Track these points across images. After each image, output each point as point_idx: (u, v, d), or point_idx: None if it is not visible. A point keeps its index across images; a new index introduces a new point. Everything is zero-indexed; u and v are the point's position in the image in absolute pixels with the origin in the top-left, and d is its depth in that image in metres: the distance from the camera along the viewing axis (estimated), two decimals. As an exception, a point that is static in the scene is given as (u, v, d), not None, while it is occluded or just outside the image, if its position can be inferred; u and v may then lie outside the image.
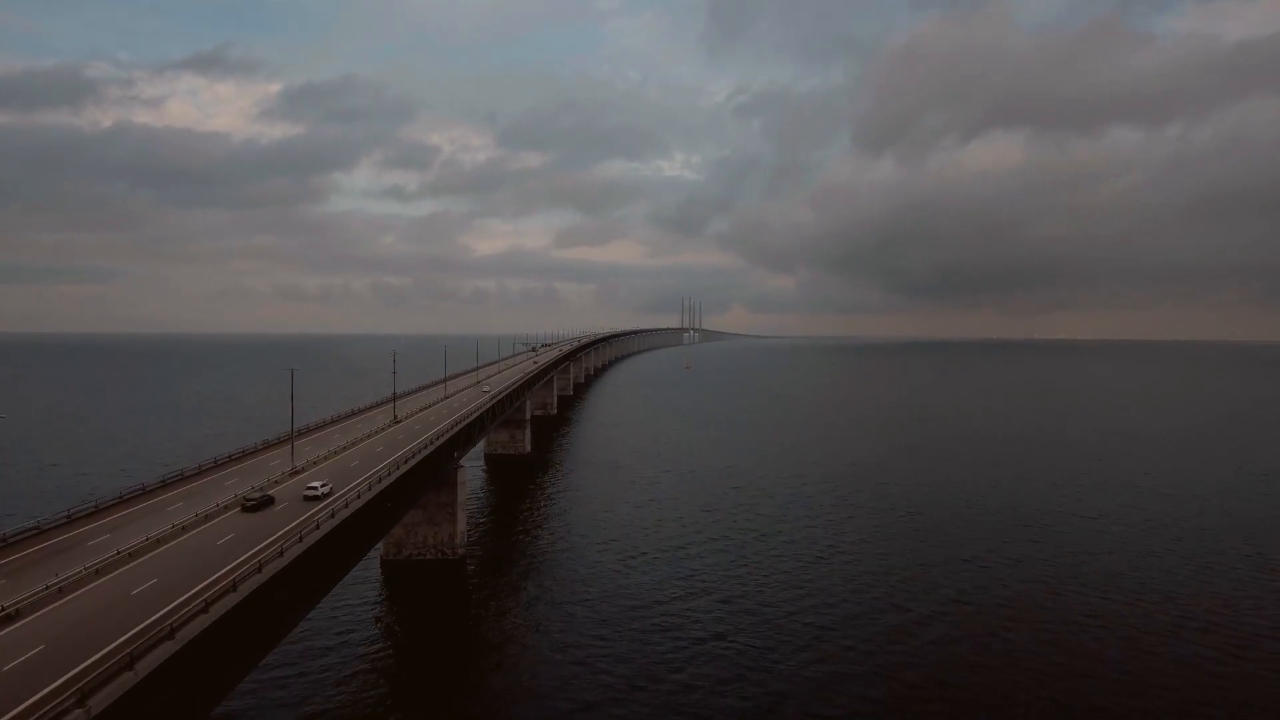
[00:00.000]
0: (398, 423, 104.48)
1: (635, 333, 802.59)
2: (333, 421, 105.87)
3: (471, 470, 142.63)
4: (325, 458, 78.54)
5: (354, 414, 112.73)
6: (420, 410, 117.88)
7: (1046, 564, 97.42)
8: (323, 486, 62.27)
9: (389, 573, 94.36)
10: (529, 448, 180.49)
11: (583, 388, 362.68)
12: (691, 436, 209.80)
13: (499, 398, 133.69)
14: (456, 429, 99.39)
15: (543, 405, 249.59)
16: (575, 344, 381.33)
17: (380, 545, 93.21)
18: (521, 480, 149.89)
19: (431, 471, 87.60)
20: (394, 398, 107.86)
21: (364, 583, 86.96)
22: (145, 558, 47.06)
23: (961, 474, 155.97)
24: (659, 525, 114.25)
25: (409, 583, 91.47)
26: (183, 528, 52.37)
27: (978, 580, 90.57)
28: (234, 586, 40.29)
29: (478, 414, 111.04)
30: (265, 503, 59.63)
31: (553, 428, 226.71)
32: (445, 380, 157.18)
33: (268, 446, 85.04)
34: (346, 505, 57.46)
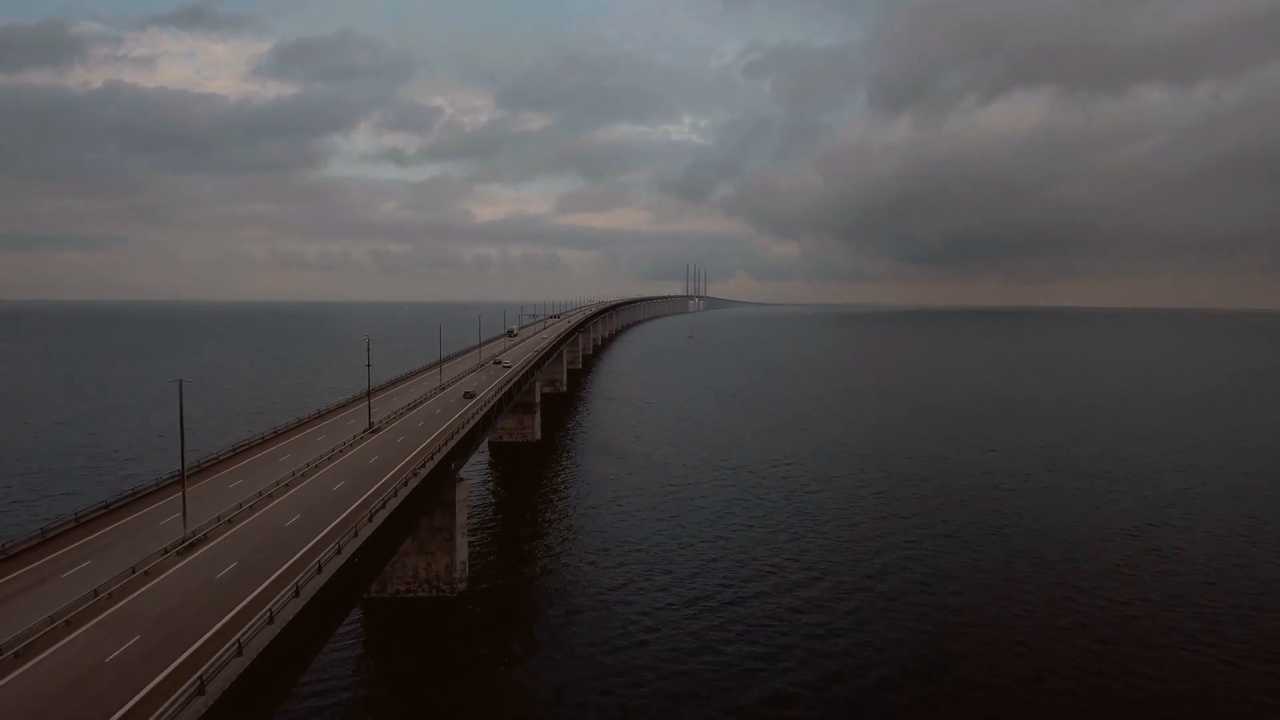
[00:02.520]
0: (375, 432, 76.99)
1: (640, 301, 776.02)
2: (289, 431, 78.19)
3: (474, 468, 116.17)
4: (251, 507, 51.09)
5: (321, 416, 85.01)
6: (408, 408, 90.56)
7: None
8: None
9: (371, 614, 70.52)
10: (539, 434, 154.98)
11: (591, 359, 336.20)
12: (719, 420, 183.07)
13: (504, 388, 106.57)
14: (454, 441, 72.49)
15: (552, 382, 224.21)
16: (585, 314, 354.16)
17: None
18: (533, 478, 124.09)
19: (417, 509, 61.12)
20: (369, 396, 79.69)
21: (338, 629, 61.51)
22: None
23: (1036, 472, 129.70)
24: (713, 546, 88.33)
25: (395, 628, 68.69)
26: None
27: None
28: None
29: (482, 414, 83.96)
30: None
31: (564, 408, 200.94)
32: (441, 363, 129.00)
33: (171, 482, 56.50)
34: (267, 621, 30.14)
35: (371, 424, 76.89)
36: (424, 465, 59.87)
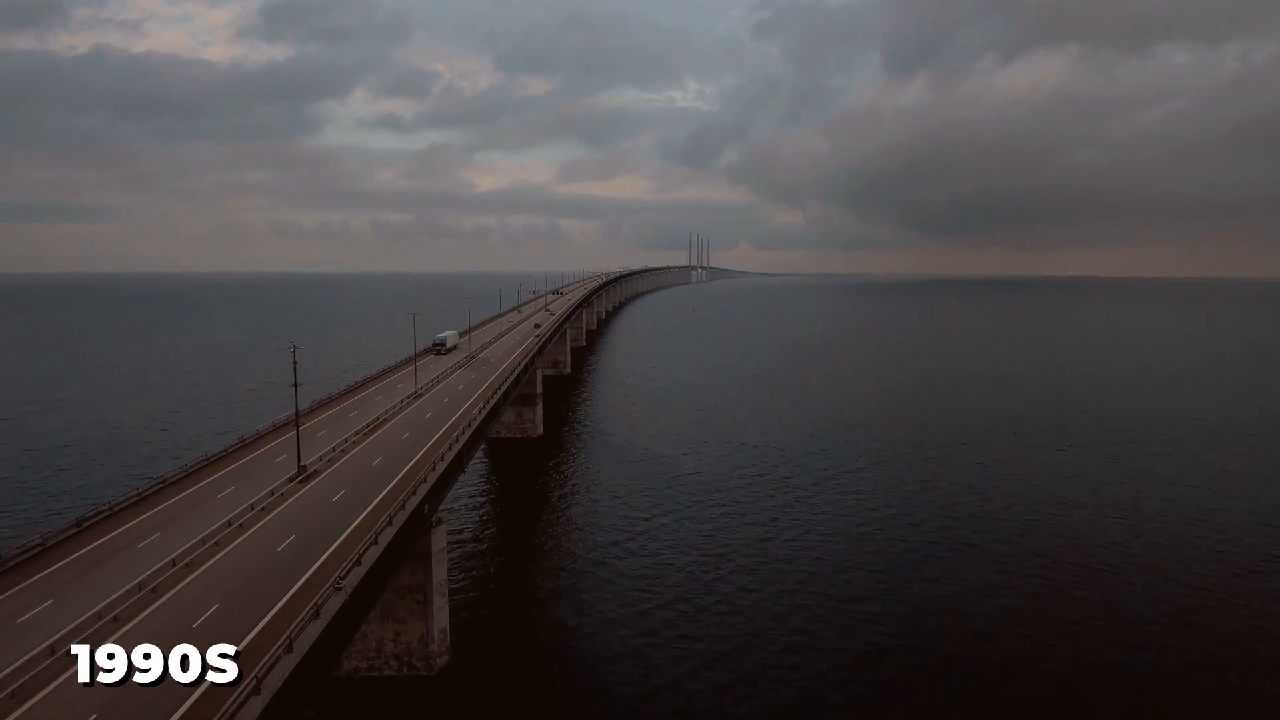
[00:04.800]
0: (306, 479, 53.59)
1: (643, 271, 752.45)
2: (190, 474, 54.04)
3: (467, 473, 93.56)
4: (29, 679, 27.75)
5: (243, 446, 61.16)
6: (365, 433, 66.87)
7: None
8: None
9: (325, 696, 50.91)
10: (541, 429, 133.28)
11: (595, 335, 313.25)
12: (737, 409, 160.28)
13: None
14: (425, 487, 49.92)
15: (554, 364, 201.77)
16: (592, 286, 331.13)
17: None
18: (537, 487, 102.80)
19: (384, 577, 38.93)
20: (297, 428, 55.18)
21: None
22: None
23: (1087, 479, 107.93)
24: (760, 595, 67.48)
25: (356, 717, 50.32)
26: None
27: None
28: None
29: (466, 438, 61.27)
30: None
31: (568, 393, 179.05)
32: (415, 360, 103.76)
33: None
34: None
35: (303, 468, 53.59)
36: (358, 560, 36.97)
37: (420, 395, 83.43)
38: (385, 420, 71.45)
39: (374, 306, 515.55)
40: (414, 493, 48.86)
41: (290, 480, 51.74)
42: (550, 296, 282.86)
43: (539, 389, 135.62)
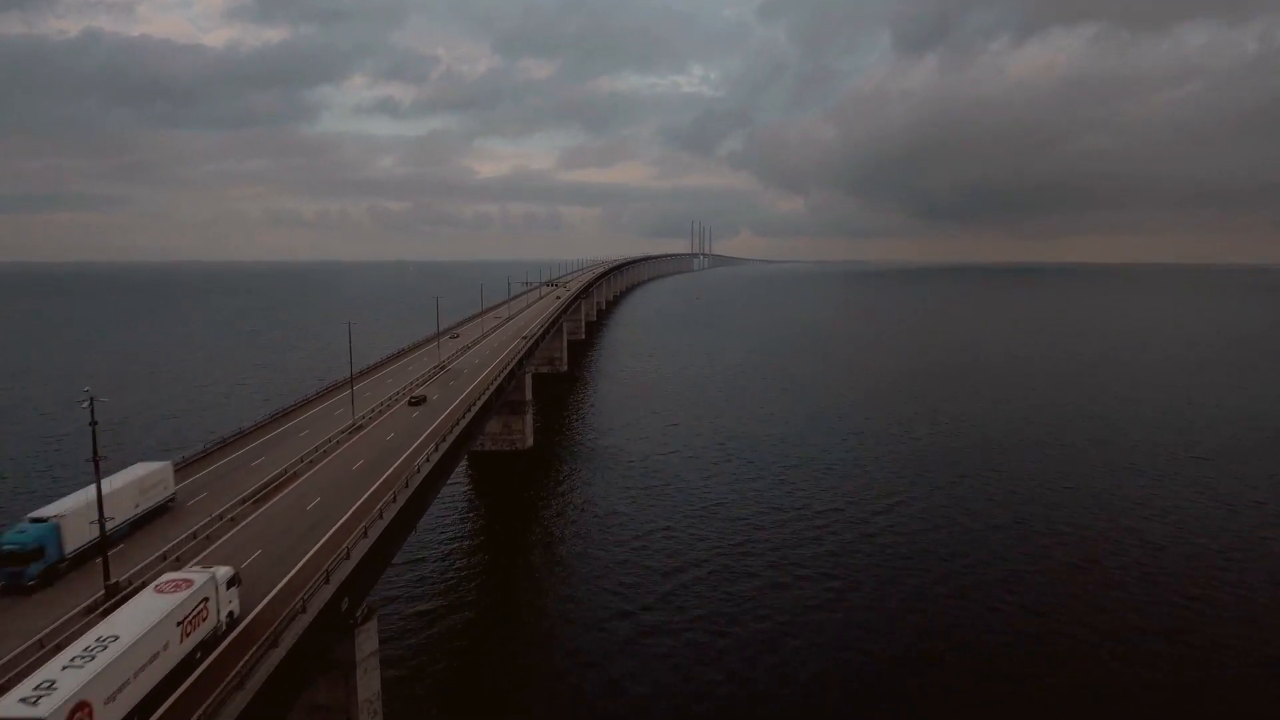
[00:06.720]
0: (107, 612, 32.94)
1: (645, 259, 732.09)
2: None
3: (434, 505, 74.75)
4: None
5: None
6: (255, 500, 45.60)
7: None
8: None
9: None
10: (531, 440, 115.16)
11: (595, 327, 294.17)
12: (746, 413, 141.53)
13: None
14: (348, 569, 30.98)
15: (550, 360, 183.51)
16: (596, 272, 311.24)
17: None
18: (520, 518, 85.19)
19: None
20: (102, 523, 30.59)
21: None
22: None
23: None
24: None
25: None
26: None
27: None
28: None
29: (395, 510, 42.45)
30: None
31: (564, 394, 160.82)
32: (355, 378, 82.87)
33: None
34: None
35: (112, 587, 32.97)
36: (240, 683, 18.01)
37: (361, 429, 63.27)
38: (295, 475, 50.55)
39: (371, 298, 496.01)
40: (328, 582, 29.67)
41: (89, 612, 31.32)
42: (545, 289, 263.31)
43: (528, 394, 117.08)
